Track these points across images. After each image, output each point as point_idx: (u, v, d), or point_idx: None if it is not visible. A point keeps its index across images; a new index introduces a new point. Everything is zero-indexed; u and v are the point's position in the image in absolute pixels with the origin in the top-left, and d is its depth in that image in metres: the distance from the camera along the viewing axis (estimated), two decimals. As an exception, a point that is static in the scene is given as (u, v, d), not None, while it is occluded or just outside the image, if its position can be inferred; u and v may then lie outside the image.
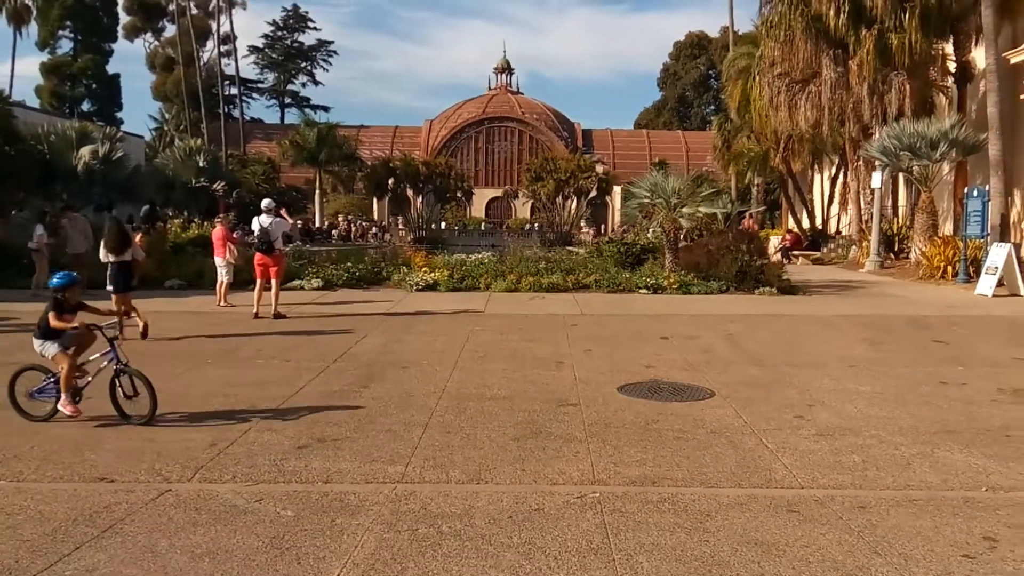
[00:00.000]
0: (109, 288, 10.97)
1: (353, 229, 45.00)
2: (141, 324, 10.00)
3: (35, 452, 5.59)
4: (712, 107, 73.10)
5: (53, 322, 6.30)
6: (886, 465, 5.49)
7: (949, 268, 19.56)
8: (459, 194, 55.88)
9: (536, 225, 47.55)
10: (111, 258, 11.03)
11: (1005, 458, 5.63)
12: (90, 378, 6.48)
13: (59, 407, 6.25)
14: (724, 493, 4.92)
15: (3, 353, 8.98)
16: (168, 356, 9.30)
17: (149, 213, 27.87)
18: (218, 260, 13.91)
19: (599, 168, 53.01)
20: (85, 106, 64.53)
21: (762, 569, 3.87)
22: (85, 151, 25.32)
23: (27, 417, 6.30)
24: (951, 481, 5.19)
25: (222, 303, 13.65)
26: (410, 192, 50.67)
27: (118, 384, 6.34)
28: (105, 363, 6.48)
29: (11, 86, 51.10)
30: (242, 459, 5.45)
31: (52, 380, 6.36)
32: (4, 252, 17.89)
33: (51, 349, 6.34)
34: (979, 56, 22.34)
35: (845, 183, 30.68)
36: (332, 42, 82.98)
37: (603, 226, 52.18)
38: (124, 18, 67.76)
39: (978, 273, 17.79)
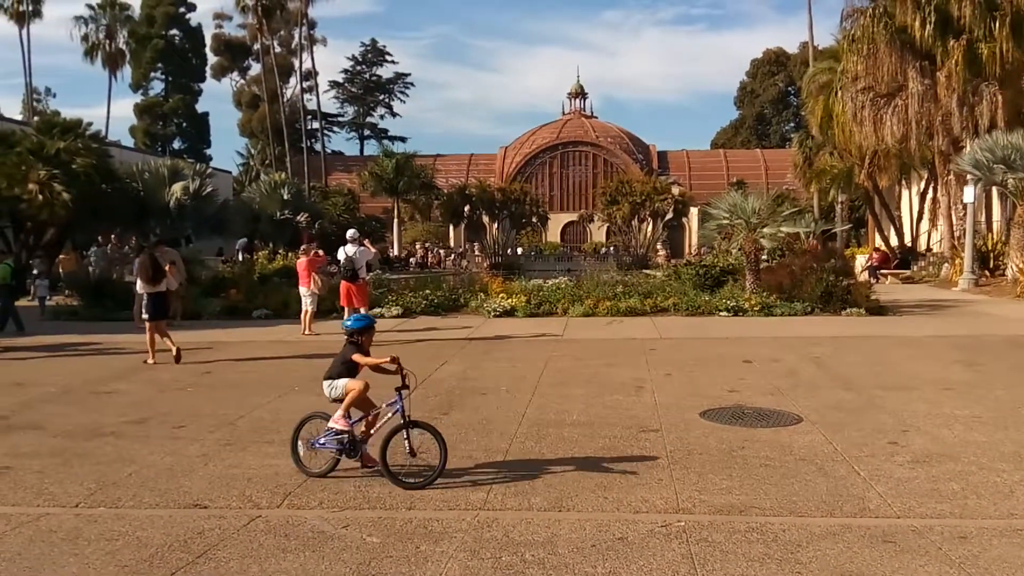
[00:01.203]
0: (144, 316, 11.57)
1: (430, 257, 45.73)
2: (174, 351, 10.90)
3: (132, 479, 5.83)
4: (792, 124, 71.60)
5: (362, 360, 5.75)
6: (987, 493, 5.23)
7: (1050, 285, 18.58)
8: (534, 219, 56.15)
9: (612, 248, 47.30)
10: (147, 289, 11.57)
11: (1121, 487, 5.29)
12: (373, 431, 5.80)
13: (331, 424, 5.69)
14: (815, 523, 4.75)
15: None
16: (256, 384, 9.62)
17: (247, 245, 29.11)
18: (303, 290, 14.31)
19: (675, 190, 52.50)
20: (176, 144, 68.05)
21: (858, 603, 3.72)
22: (177, 187, 26.64)
23: (302, 469, 5.76)
24: (1059, 510, 4.90)
25: (306, 331, 14.01)
26: (486, 218, 51.23)
27: (404, 438, 5.55)
28: (390, 414, 5.75)
29: (107, 127, 54.36)
30: (328, 485, 5.56)
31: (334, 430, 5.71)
32: (102, 286, 18.77)
33: (341, 380, 5.77)
34: (1076, 62, 21.32)
35: (935, 198, 29.61)
36: (409, 74, 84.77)
37: (684, 248, 51.53)
38: (212, 59, 71.47)
39: (1081, 289, 16.85)
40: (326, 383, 5.86)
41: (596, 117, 72.61)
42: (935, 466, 5.81)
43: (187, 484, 5.68)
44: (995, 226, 26.60)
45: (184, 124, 69.58)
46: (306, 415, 6.00)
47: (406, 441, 5.55)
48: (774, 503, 5.11)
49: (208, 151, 69.46)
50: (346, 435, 5.65)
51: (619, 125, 71.74)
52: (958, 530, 4.59)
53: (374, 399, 5.82)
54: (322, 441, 5.70)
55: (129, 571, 4.21)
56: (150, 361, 11.13)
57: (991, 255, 24.00)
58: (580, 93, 73.08)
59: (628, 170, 61.50)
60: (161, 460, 6.30)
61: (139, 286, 11.87)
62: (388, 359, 5.65)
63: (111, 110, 64.26)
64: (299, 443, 5.85)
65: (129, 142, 58.12)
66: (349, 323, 6.01)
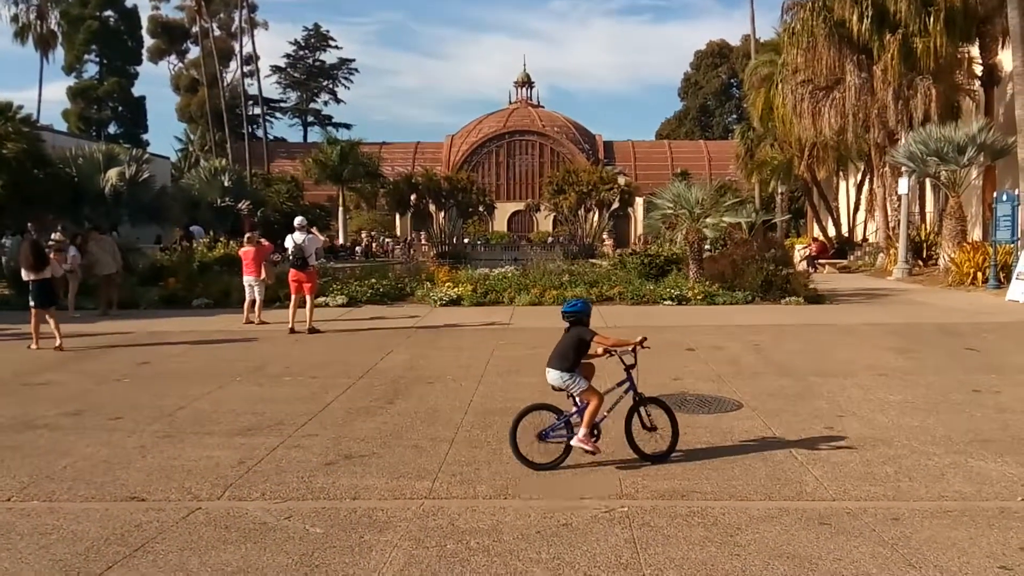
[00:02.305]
0: (31, 304, 11.58)
1: (375, 246, 45.29)
2: (59, 341, 11.09)
3: (67, 472, 5.66)
4: (734, 116, 72.76)
5: (606, 341, 5.64)
6: (919, 476, 5.41)
7: (979, 274, 19.28)
8: (481, 208, 55.99)
9: (559, 238, 47.55)
10: (30, 276, 11.52)
11: (1042, 467, 5.53)
12: (607, 412, 5.67)
13: (575, 443, 5.53)
14: (754, 506, 4.86)
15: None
16: (196, 374, 9.41)
17: (185, 234, 28.47)
18: (249, 279, 14.07)
19: (621, 180, 52.92)
20: (111, 129, 65.69)
21: (795, 583, 3.82)
22: (112, 173, 25.80)
23: (527, 464, 5.56)
24: (986, 491, 5.11)
25: (256, 321, 13.83)
26: (432, 207, 50.88)
27: (639, 416, 5.72)
28: (623, 395, 5.78)
29: (39, 110, 52.28)
30: (271, 476, 5.48)
31: (565, 419, 5.66)
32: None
33: (581, 384, 5.59)
34: (1006, 58, 22.13)
35: (871, 190, 30.39)
36: (353, 60, 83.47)
37: (630, 238, 52.07)
38: (148, 41, 69.05)
39: (1009, 279, 17.51)
40: (559, 373, 5.60)
41: (543, 106, 72.72)
42: (869, 450, 5.99)
43: (124, 477, 5.54)
44: (928, 217, 27.44)
45: (120, 108, 67.17)
46: (528, 407, 5.81)
47: (641, 420, 5.72)
48: (715, 487, 5.20)
49: (145, 136, 67.29)
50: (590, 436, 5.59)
51: (566, 115, 71.97)
52: (891, 512, 4.74)
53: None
54: (552, 434, 5.65)
55: (63, 566, 4.09)
56: (33, 347, 11.22)
57: (924, 245, 24.78)
58: (527, 82, 73.05)
59: (575, 160, 61.79)
60: (97, 452, 6.13)
61: (23, 274, 11.75)
62: (639, 340, 5.61)
63: (43, 93, 61.21)
64: (518, 435, 5.64)
65: (62, 126, 55.94)
66: (568, 308, 5.84)
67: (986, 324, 13.10)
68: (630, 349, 5.64)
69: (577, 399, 5.64)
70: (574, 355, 5.61)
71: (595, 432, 5.64)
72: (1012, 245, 18.72)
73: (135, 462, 5.88)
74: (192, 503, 5.01)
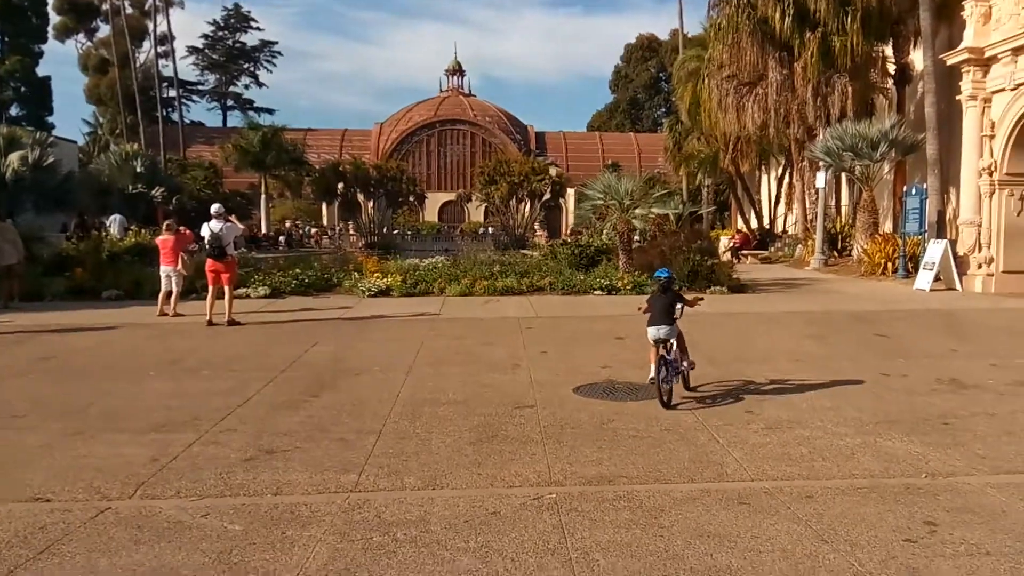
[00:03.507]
0: None
1: (299, 234, 44.43)
2: None
3: (-36, 472, 5.34)
4: (663, 109, 73.84)
5: (692, 300, 7.53)
6: (831, 455, 5.62)
7: (889, 264, 20.12)
8: (411, 198, 55.58)
9: (490, 229, 47.49)
10: None
11: (944, 445, 5.83)
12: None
13: (685, 366, 7.35)
14: (677, 489, 4.97)
15: None
16: (106, 369, 9.05)
17: (79, 223, 27.19)
18: (167, 269, 13.48)
19: (552, 171, 53.30)
20: (13, 110, 61.86)
21: (714, 561, 3.92)
22: (14, 157, 24.30)
23: (665, 405, 6.83)
24: (893, 469, 5.34)
25: (171, 313, 13.29)
26: (361, 197, 50.22)
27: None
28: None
29: (-66, 91, 49.11)
30: (186, 474, 5.29)
31: (668, 362, 6.96)
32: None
33: (678, 331, 7.15)
34: (917, 58, 23.01)
35: (791, 183, 31.28)
36: (276, 42, 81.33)
37: (561, 228, 52.39)
38: (55, 18, 65.18)
39: (917, 269, 18.35)
40: (669, 328, 7.04)
41: (475, 95, 72.53)
42: (786, 432, 6.18)
43: (27, 476, 5.26)
44: (843, 210, 28.44)
45: (23, 88, 63.23)
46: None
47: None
48: (640, 472, 5.28)
49: (51, 119, 63.44)
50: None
51: (498, 105, 71.99)
52: (805, 490, 4.92)
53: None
54: (668, 376, 6.94)
55: (-40, 571, 3.86)
56: None
57: (840, 237, 25.68)
58: (458, 70, 72.71)
59: (506, 150, 61.86)
60: (-11, 452, 5.79)
61: None
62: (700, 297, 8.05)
63: (-62, 71, 57.46)
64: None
65: (-42, 107, 52.90)
66: (661, 273, 7.42)
67: (895, 312, 13.68)
68: (699, 303, 7.79)
69: (675, 343, 7.08)
70: (674, 311, 7.13)
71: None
72: (920, 237, 19.55)
73: (39, 461, 5.60)
74: (101, 503, 4.79)
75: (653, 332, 7.04)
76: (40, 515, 4.59)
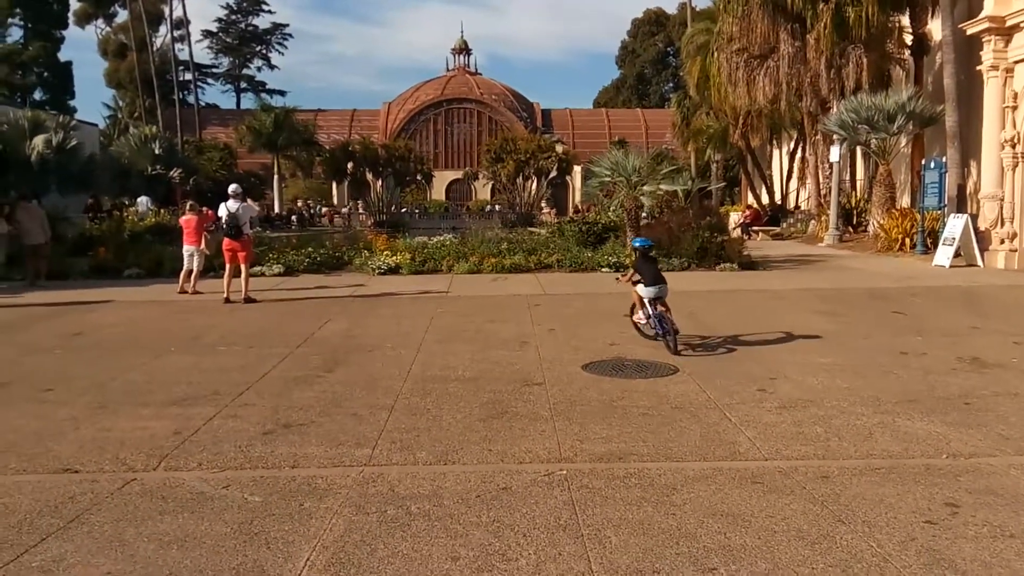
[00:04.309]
0: None
1: (310, 214, 44.51)
2: None
3: (-6, 446, 5.46)
4: (671, 84, 73.18)
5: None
6: (848, 435, 5.58)
7: (907, 240, 19.88)
8: (419, 177, 55.50)
9: (497, 206, 47.40)
10: None
11: (965, 425, 5.75)
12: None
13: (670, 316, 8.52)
14: (689, 467, 4.97)
15: None
16: (130, 345, 9.16)
17: (92, 204, 27.64)
18: (190, 248, 13.74)
19: (559, 148, 52.99)
20: (37, 95, 62.40)
21: (728, 540, 3.92)
22: (39, 140, 24.64)
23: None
24: (912, 449, 5.28)
25: (191, 291, 13.52)
26: (370, 176, 50.01)
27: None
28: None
29: (-40, 77, 49.25)
30: (207, 446, 5.38)
31: (657, 318, 8.42)
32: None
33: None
34: (935, 28, 22.62)
35: (803, 158, 31.01)
36: (287, 25, 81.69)
37: (568, 205, 52.24)
38: (75, 4, 65.64)
39: (936, 244, 18.06)
40: (665, 286, 8.45)
41: (480, 74, 72.11)
42: (800, 411, 6.17)
43: (56, 448, 5.38)
44: (859, 184, 28.14)
45: (46, 74, 63.91)
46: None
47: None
48: (651, 450, 5.30)
49: (72, 103, 64.09)
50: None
51: (504, 83, 71.57)
52: (821, 470, 4.89)
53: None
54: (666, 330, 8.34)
55: (-6, 540, 3.95)
56: None
57: (855, 212, 25.42)
58: (464, 49, 72.23)
59: (513, 128, 61.55)
60: (27, 424, 5.93)
61: None
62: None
63: (-36, 59, 57.73)
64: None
65: (-16, 92, 53.07)
66: (641, 243, 9.01)
67: (913, 288, 13.54)
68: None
69: (665, 301, 8.40)
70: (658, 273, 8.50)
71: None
72: (939, 211, 19.19)
73: (67, 434, 5.71)
74: (127, 474, 4.89)
75: (654, 291, 8.35)
76: (69, 486, 4.70)
